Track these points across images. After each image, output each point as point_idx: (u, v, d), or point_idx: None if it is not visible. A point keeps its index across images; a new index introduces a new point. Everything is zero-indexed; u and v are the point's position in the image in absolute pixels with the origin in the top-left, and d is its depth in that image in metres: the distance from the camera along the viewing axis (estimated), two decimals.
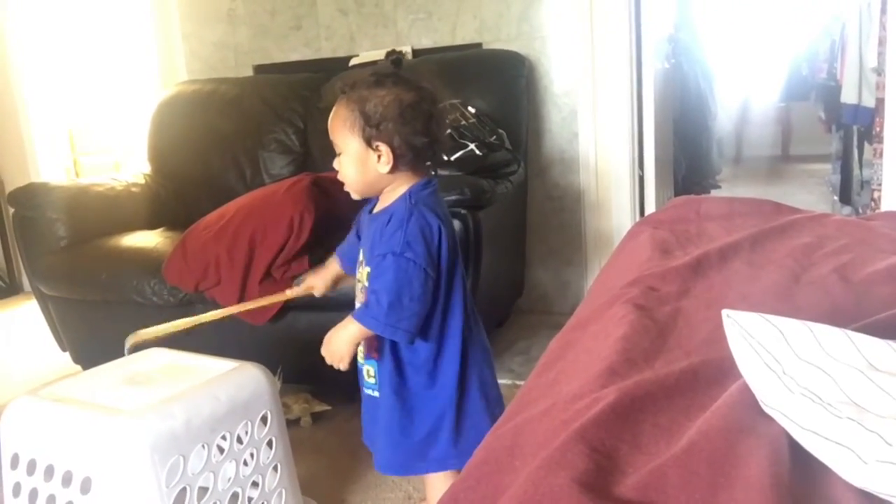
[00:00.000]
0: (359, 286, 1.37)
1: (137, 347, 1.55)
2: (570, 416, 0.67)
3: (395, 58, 1.30)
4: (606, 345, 0.84)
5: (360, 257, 1.36)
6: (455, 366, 1.33)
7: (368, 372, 1.38)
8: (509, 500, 0.55)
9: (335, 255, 1.52)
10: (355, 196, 1.34)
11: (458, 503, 0.60)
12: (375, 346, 1.34)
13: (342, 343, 1.29)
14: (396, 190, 1.30)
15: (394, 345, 1.31)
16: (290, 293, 1.58)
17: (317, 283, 1.54)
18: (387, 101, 1.23)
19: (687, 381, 0.74)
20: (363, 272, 1.33)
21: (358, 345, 1.31)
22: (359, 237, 1.44)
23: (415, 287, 1.23)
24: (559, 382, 0.80)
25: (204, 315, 1.58)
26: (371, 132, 1.23)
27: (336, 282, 1.54)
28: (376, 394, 1.38)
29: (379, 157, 1.25)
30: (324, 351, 1.32)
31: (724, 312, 0.75)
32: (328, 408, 2.10)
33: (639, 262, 1.21)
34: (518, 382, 1.43)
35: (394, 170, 1.26)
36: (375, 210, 1.35)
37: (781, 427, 0.65)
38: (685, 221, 1.44)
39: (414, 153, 1.26)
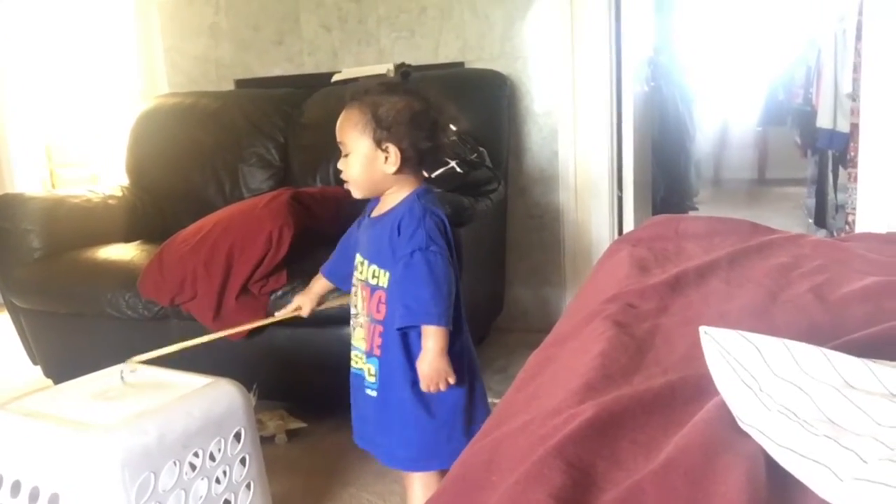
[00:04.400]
0: (358, 286, 1.41)
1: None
2: (548, 431, 0.66)
3: (404, 70, 1.43)
4: (584, 361, 0.84)
5: (360, 258, 1.40)
6: (463, 359, 1.37)
7: (369, 371, 1.39)
8: None
9: (320, 274, 1.59)
10: (357, 195, 1.39)
11: None
12: (379, 343, 1.36)
13: (434, 361, 1.30)
14: (398, 193, 1.37)
15: (405, 340, 1.33)
16: (279, 315, 1.65)
17: (304, 302, 1.60)
18: (399, 106, 1.31)
19: (664, 398, 0.74)
20: (366, 270, 1.38)
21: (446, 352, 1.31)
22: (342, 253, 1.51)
23: (447, 276, 1.30)
24: (537, 398, 0.79)
25: (196, 339, 1.61)
26: (382, 134, 1.30)
27: (322, 300, 1.61)
28: (374, 393, 1.39)
29: (386, 157, 1.31)
30: (427, 385, 1.32)
31: (702, 329, 0.75)
32: (304, 425, 2.08)
33: (617, 279, 1.22)
34: (495, 400, 1.43)
35: (399, 171, 1.33)
36: (376, 214, 1.41)
37: (758, 444, 0.65)
38: (664, 240, 1.45)
39: (419, 156, 1.34)
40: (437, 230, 1.32)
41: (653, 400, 0.73)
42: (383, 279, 1.35)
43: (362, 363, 1.41)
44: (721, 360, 0.72)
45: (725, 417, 0.69)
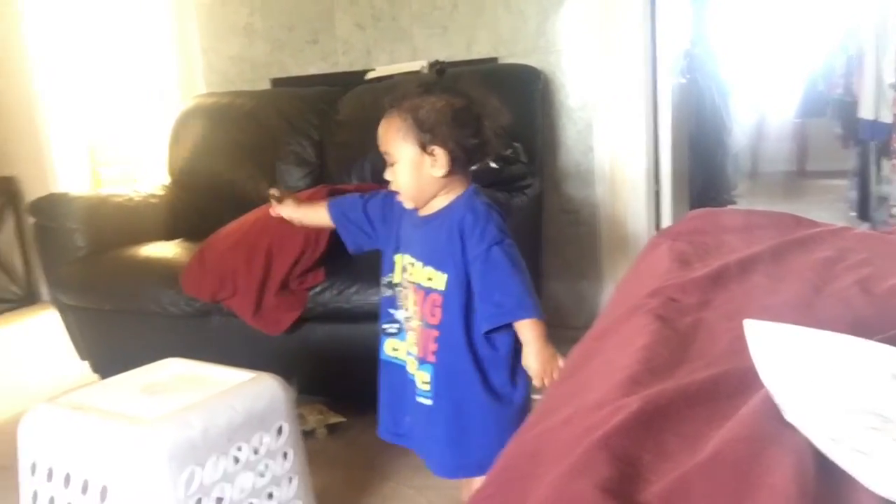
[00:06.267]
0: (409, 289, 1.35)
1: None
2: (593, 424, 0.66)
3: (439, 68, 1.34)
4: (627, 354, 0.84)
5: (410, 259, 1.34)
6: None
7: (423, 379, 1.34)
8: None
9: (327, 206, 1.50)
10: (408, 205, 1.34)
11: None
12: (434, 349, 1.31)
13: (542, 352, 1.24)
14: (450, 194, 1.32)
15: (471, 343, 1.29)
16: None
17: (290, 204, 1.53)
18: (439, 106, 1.26)
19: (709, 391, 0.73)
20: (419, 272, 1.32)
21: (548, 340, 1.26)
22: (367, 216, 1.44)
23: (525, 266, 1.27)
24: (580, 391, 0.79)
25: None
26: (425, 137, 1.26)
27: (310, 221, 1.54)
28: (430, 402, 1.34)
29: (433, 161, 1.27)
30: (539, 376, 1.26)
31: (746, 322, 0.74)
32: (343, 419, 2.10)
33: (658, 273, 1.21)
34: (534, 396, 1.42)
35: (448, 174, 1.28)
36: (425, 213, 1.34)
37: (805, 437, 0.65)
38: (704, 233, 1.44)
39: (466, 155, 1.29)
40: (503, 224, 1.28)
41: (697, 393, 0.73)
42: (439, 282, 1.29)
43: (414, 369, 1.36)
44: (766, 352, 0.72)
45: (771, 410, 0.68)
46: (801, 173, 6.79)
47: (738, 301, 1.04)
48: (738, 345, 0.80)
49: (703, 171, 4.31)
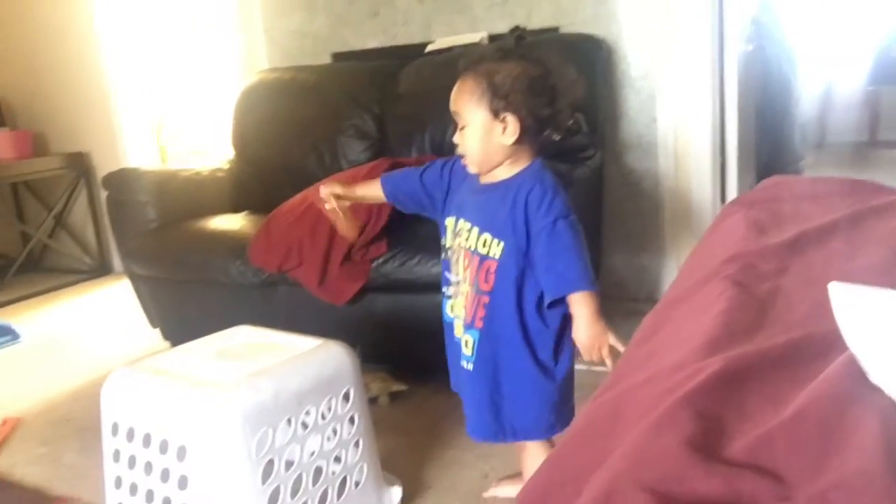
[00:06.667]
0: (460, 253, 1.36)
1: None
2: (674, 384, 0.66)
3: (518, 34, 1.32)
4: (706, 319, 0.83)
5: (465, 224, 1.34)
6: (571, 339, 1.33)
7: (466, 343, 1.36)
8: (618, 459, 0.55)
9: (380, 180, 1.50)
10: (472, 169, 1.34)
11: (562, 465, 0.61)
12: (482, 314, 1.32)
13: (593, 327, 1.25)
14: (515, 164, 1.31)
15: (521, 313, 1.30)
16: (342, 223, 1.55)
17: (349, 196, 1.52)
18: (515, 73, 1.25)
19: (791, 354, 0.72)
20: (474, 238, 1.32)
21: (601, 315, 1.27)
22: (424, 186, 1.44)
23: (585, 243, 1.27)
24: (658, 355, 0.79)
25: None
26: (499, 103, 1.25)
27: (352, 207, 1.54)
28: (470, 366, 1.36)
29: (504, 128, 1.26)
30: (588, 350, 1.27)
31: (831, 285, 0.73)
32: (405, 387, 2.13)
33: (734, 240, 1.19)
34: (595, 368, 1.42)
35: (517, 142, 1.27)
36: (486, 181, 1.34)
37: (891, 398, 0.63)
38: (779, 201, 1.40)
39: (539, 125, 1.27)
40: (568, 199, 1.29)
41: (779, 356, 0.72)
42: (496, 249, 1.30)
43: (460, 332, 1.38)
44: (851, 315, 0.70)
45: (856, 372, 0.67)
46: (872, 143, 6.52)
47: (817, 267, 1.02)
48: (819, 310, 0.79)
49: (769, 142, 4.18)
